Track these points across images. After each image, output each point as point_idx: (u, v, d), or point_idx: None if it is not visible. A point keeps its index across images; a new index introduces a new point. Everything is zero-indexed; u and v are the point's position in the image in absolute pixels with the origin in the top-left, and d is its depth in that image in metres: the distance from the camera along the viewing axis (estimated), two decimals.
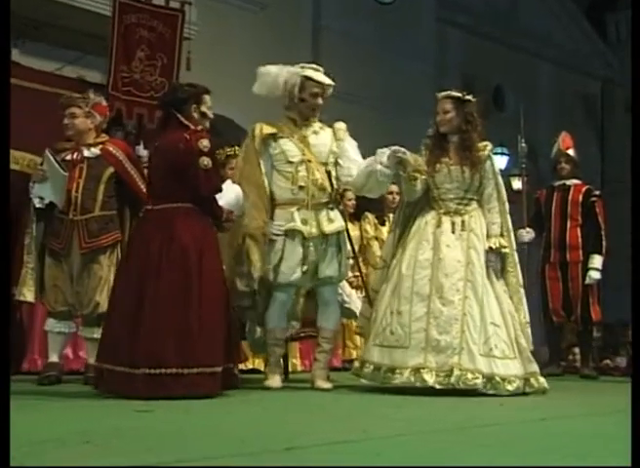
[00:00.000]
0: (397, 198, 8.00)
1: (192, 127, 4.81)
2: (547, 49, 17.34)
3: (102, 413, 3.93)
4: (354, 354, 7.74)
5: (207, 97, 4.97)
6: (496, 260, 5.31)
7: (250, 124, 5.75)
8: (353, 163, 5.54)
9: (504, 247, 5.32)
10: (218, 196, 4.90)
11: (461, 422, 3.93)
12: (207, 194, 4.79)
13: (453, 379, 4.99)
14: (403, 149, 5.39)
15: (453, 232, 5.35)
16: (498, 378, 5.07)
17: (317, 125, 5.57)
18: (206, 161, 4.69)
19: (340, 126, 5.63)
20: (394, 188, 7.95)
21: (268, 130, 5.47)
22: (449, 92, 5.54)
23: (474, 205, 5.46)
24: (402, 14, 14.13)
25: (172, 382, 4.45)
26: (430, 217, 5.45)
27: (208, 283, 4.62)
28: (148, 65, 8.65)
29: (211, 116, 4.96)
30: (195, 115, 4.87)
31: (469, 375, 5.00)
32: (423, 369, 5.05)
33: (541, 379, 5.28)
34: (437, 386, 5.00)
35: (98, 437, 3.11)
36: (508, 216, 5.47)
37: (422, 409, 4.55)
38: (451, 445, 3.17)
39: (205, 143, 4.71)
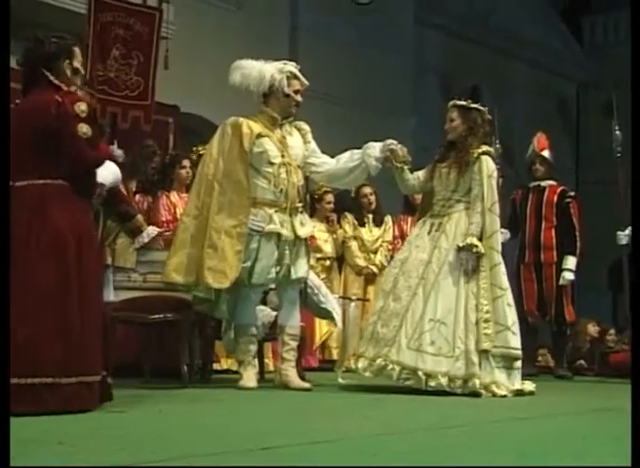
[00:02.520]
0: (372, 199, 8.06)
1: (65, 87, 4.06)
2: (524, 51, 17.42)
3: (77, 415, 3.89)
4: (335, 354, 7.73)
5: (78, 51, 4.23)
6: (466, 259, 5.32)
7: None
8: (325, 158, 5.64)
9: (475, 246, 5.32)
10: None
11: (437, 422, 3.94)
12: (86, 168, 4.04)
13: (374, 368, 5.32)
14: (395, 141, 5.54)
15: (429, 233, 5.52)
16: (421, 373, 5.15)
17: (287, 126, 5.56)
18: (85, 128, 3.96)
19: (306, 128, 5.65)
20: (367, 190, 7.99)
21: (257, 128, 5.44)
22: (454, 100, 5.67)
23: (459, 207, 5.52)
24: (379, 14, 14.13)
25: (46, 394, 3.74)
26: (422, 221, 5.71)
27: (88, 276, 3.96)
28: (124, 64, 8.59)
29: (83, 72, 4.40)
30: (68, 72, 4.12)
31: (390, 366, 5.24)
32: (361, 357, 5.46)
33: (483, 382, 5.16)
34: (365, 374, 5.38)
35: (71, 438, 3.09)
36: (495, 218, 5.47)
37: (400, 408, 4.56)
38: (428, 445, 3.17)
39: (83, 107, 3.97)
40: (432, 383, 5.14)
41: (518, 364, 5.39)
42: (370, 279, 8.06)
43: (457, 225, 5.47)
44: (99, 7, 8.47)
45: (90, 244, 4.03)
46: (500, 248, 5.50)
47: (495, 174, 5.57)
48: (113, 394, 4.17)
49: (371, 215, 8.17)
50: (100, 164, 4.09)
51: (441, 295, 5.30)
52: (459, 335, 5.20)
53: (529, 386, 5.41)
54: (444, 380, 5.13)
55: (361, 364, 5.44)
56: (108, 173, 4.44)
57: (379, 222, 8.16)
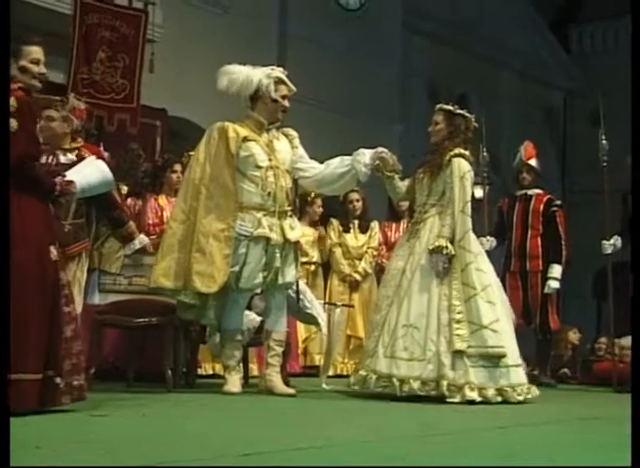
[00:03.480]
0: (358, 205, 8.05)
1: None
2: (511, 59, 17.46)
3: (58, 418, 3.87)
4: (317, 360, 7.71)
5: (31, 49, 4.17)
6: (436, 261, 5.33)
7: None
8: (313, 163, 5.64)
9: (445, 248, 5.32)
10: (74, 169, 4.38)
11: (422, 429, 3.93)
12: (15, 163, 3.90)
13: (357, 379, 5.42)
14: (385, 150, 5.57)
15: (408, 241, 5.58)
16: (395, 380, 5.19)
17: (274, 131, 5.55)
18: (13, 123, 3.90)
19: (294, 134, 5.64)
20: (355, 196, 7.99)
21: (243, 132, 5.43)
22: (441, 105, 5.70)
23: (433, 211, 5.55)
24: (368, 20, 14.17)
25: None
26: (405, 231, 5.87)
27: (23, 276, 3.86)
28: (109, 67, 8.57)
29: (39, 71, 4.22)
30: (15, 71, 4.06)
31: (369, 375, 5.32)
32: (355, 371, 5.61)
33: (457, 383, 5.13)
34: (354, 387, 5.44)
35: (50, 441, 3.07)
36: (467, 218, 5.47)
37: (385, 414, 4.56)
38: (411, 452, 3.17)
39: (11, 102, 3.92)
40: (405, 388, 5.17)
41: (507, 361, 5.34)
42: (353, 286, 8.05)
43: (430, 230, 5.50)
44: (84, 9, 8.44)
45: (23, 241, 3.91)
46: (473, 247, 5.48)
47: (468, 175, 5.54)
48: (85, 395, 4.14)
49: (356, 221, 8.16)
50: (27, 159, 4.01)
51: (413, 300, 5.34)
52: (430, 338, 5.22)
53: (515, 395, 5.35)
54: (416, 384, 5.15)
55: (352, 378, 5.56)
56: (93, 170, 4.41)
57: (364, 229, 8.15)
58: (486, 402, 5.15)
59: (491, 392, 5.21)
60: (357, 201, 8.08)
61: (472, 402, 5.11)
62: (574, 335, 8.97)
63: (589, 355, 8.73)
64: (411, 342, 5.23)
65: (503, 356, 5.32)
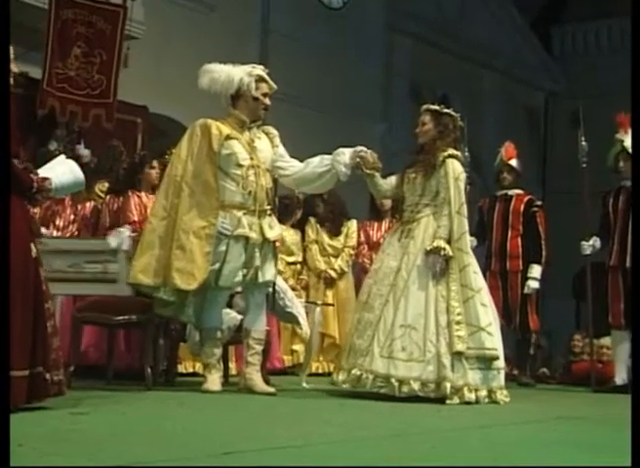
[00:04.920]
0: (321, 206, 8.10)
1: None
2: (493, 59, 17.49)
3: (39, 416, 3.86)
4: (301, 359, 7.71)
5: None
6: (433, 262, 5.33)
7: None
8: (293, 162, 5.63)
9: (443, 249, 5.33)
10: (46, 167, 4.32)
11: (401, 428, 3.94)
12: None
13: (350, 378, 5.34)
14: (365, 148, 5.57)
15: (399, 240, 5.54)
16: (393, 380, 5.17)
17: (256, 130, 5.55)
18: None
19: (274, 132, 5.64)
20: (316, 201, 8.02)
21: (226, 130, 5.42)
22: (427, 105, 5.70)
23: (427, 211, 5.54)
24: (351, 19, 14.16)
25: None
26: (393, 228, 5.79)
27: (13, 273, 3.84)
28: (85, 62, 8.52)
29: (12, 70, 4.12)
30: None
31: (364, 375, 5.27)
32: (341, 370, 5.50)
33: (456, 385, 5.16)
34: (344, 386, 5.38)
35: (31, 439, 3.06)
36: (463, 220, 5.49)
37: (365, 413, 4.57)
38: (390, 451, 3.18)
39: None
40: (405, 389, 5.14)
41: (498, 364, 5.39)
42: (329, 283, 8.05)
43: (425, 230, 5.48)
44: (59, 4, 8.37)
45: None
46: (469, 249, 5.52)
47: (462, 176, 5.57)
48: (65, 390, 4.16)
49: (327, 223, 8.16)
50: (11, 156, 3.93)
51: (411, 301, 5.31)
52: (429, 339, 5.21)
53: (503, 396, 5.40)
54: (416, 385, 5.14)
55: (340, 376, 5.46)
56: (65, 170, 4.39)
57: (334, 231, 8.12)
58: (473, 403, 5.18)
59: (483, 393, 5.25)
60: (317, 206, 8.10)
61: (468, 403, 5.13)
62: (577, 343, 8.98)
63: (567, 354, 8.78)
64: (409, 343, 5.21)
65: (497, 358, 5.37)
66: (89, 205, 6.99)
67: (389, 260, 5.51)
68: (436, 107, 5.64)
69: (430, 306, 5.28)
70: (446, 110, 5.66)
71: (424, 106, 5.71)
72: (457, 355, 5.20)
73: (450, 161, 5.51)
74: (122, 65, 8.65)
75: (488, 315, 5.40)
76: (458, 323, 5.24)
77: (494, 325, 5.43)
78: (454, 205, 5.44)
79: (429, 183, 5.54)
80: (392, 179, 5.77)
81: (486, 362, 5.32)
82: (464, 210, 5.51)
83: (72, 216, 6.91)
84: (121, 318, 5.61)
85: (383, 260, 5.57)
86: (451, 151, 5.55)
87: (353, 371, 5.35)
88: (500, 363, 5.43)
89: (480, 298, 5.39)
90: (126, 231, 5.77)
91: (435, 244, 5.34)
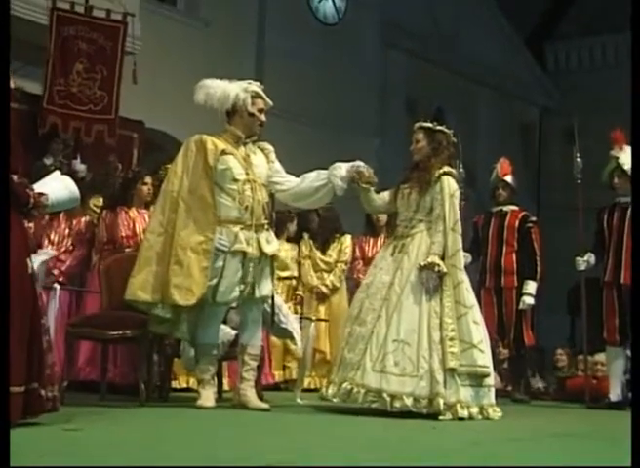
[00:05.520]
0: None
1: None
2: (488, 75, 17.56)
3: (31, 432, 3.84)
4: (294, 375, 7.70)
5: None
6: (427, 278, 5.33)
7: None
8: (289, 177, 5.64)
9: (437, 265, 5.33)
10: (41, 183, 4.31)
11: (394, 445, 3.93)
12: None
13: (341, 392, 5.32)
14: (362, 163, 5.58)
15: (392, 255, 5.54)
16: (385, 395, 5.15)
17: (251, 145, 5.56)
18: None
19: (270, 148, 5.65)
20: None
21: (221, 145, 5.43)
22: (420, 122, 5.71)
23: (421, 227, 5.54)
24: (346, 35, 14.22)
25: None
26: (386, 243, 5.81)
27: (13, 290, 3.85)
28: (87, 78, 8.55)
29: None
30: None
31: (355, 389, 5.25)
32: (331, 383, 5.47)
33: (448, 401, 5.14)
34: (334, 400, 5.36)
35: (22, 456, 3.04)
36: (457, 236, 5.49)
37: (359, 429, 4.55)
38: (387, 466, 3.17)
39: None
40: (397, 404, 5.13)
41: (488, 381, 5.38)
42: (320, 298, 8.05)
43: (418, 246, 5.49)
44: (60, 21, 8.41)
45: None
46: (462, 266, 5.52)
47: (457, 193, 5.58)
48: (58, 406, 4.15)
49: (318, 238, 8.17)
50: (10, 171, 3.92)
51: (404, 316, 5.31)
52: (422, 355, 5.20)
53: (495, 413, 5.39)
54: (409, 401, 5.13)
55: (330, 390, 5.44)
56: (60, 186, 4.38)
57: (325, 246, 8.13)
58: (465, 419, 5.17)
59: (475, 410, 5.24)
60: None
61: (461, 419, 5.12)
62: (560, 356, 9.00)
63: (552, 370, 8.80)
64: (402, 358, 5.20)
65: (488, 376, 5.37)
66: (84, 220, 7.01)
67: (382, 275, 5.51)
68: (429, 125, 5.65)
69: (424, 322, 5.27)
70: (439, 127, 5.66)
71: (417, 124, 5.72)
72: (449, 371, 5.19)
73: (445, 178, 5.53)
74: (129, 82, 8.66)
75: (479, 332, 5.41)
76: (451, 339, 5.24)
77: (484, 342, 5.43)
78: (448, 221, 5.44)
79: (424, 199, 5.54)
80: (385, 195, 5.78)
81: (477, 379, 5.32)
82: (459, 227, 5.52)
83: (67, 231, 6.92)
84: (115, 333, 5.59)
85: (376, 275, 5.57)
86: (446, 168, 5.57)
87: (344, 385, 5.33)
88: (491, 380, 5.43)
89: (472, 315, 5.40)
90: (43, 256, 5.72)
91: (430, 260, 5.34)
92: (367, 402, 5.22)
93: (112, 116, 8.76)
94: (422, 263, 5.35)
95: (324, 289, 8.04)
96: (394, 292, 5.39)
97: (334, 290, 8.07)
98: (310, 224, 8.20)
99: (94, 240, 6.98)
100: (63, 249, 6.87)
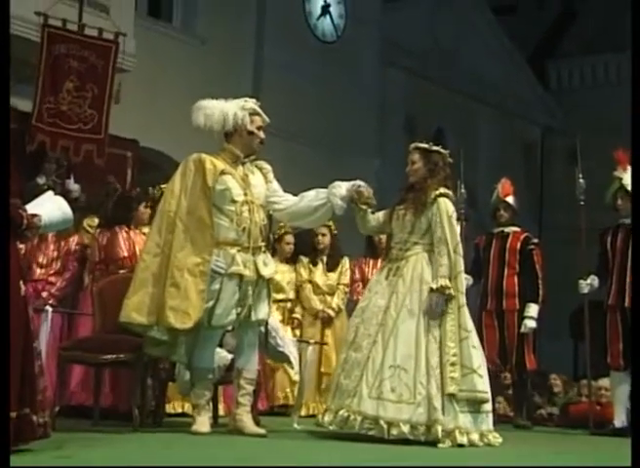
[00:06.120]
0: (322, 240, 8.07)
1: None
2: (489, 94, 17.60)
3: (22, 459, 3.81)
4: (291, 399, 7.67)
5: None
6: (437, 302, 5.32)
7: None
8: (287, 196, 5.64)
9: (448, 288, 5.32)
10: (33, 203, 4.33)
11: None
12: None
13: (337, 420, 5.29)
14: (363, 183, 5.59)
15: (387, 278, 5.53)
16: (382, 422, 5.13)
17: (249, 165, 5.56)
18: None
19: (268, 167, 5.65)
20: (322, 230, 8.02)
21: (220, 165, 5.42)
22: (415, 144, 5.72)
23: (417, 249, 5.52)
24: (345, 53, 14.27)
25: None
26: (381, 266, 5.80)
27: None
28: (77, 97, 8.57)
29: None
30: None
31: (352, 416, 5.22)
32: (327, 411, 5.45)
33: (447, 428, 5.11)
34: (330, 427, 5.32)
35: None
36: (460, 259, 5.48)
37: (358, 456, 4.54)
38: None
39: None
40: (394, 432, 5.10)
41: (487, 407, 5.36)
42: (327, 322, 8.03)
43: (414, 268, 5.48)
44: (52, 39, 8.45)
45: None
46: (464, 289, 5.52)
47: (454, 214, 5.59)
48: (50, 432, 4.13)
49: (324, 258, 8.16)
50: None
51: (400, 341, 5.29)
52: (419, 381, 5.19)
53: (495, 439, 5.38)
54: (406, 428, 5.10)
55: (327, 417, 5.41)
56: (54, 207, 4.38)
57: (332, 266, 8.13)
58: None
59: (475, 436, 5.22)
60: (323, 235, 8.08)
61: (461, 446, 5.10)
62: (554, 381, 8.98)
63: (549, 395, 8.77)
64: (398, 384, 5.18)
65: (487, 401, 5.35)
66: (72, 239, 6.96)
67: (377, 299, 5.50)
68: (425, 145, 5.65)
69: (421, 347, 5.26)
70: (434, 148, 5.66)
71: (412, 145, 5.72)
72: (448, 397, 5.17)
73: (442, 200, 5.51)
74: (113, 102, 8.69)
75: (478, 357, 5.39)
76: (452, 364, 5.22)
77: (483, 367, 5.42)
78: (451, 243, 5.44)
79: (419, 221, 5.53)
80: (380, 215, 5.77)
81: (476, 405, 5.29)
82: (460, 249, 5.51)
83: (56, 253, 6.87)
84: (109, 357, 5.57)
85: (371, 299, 5.56)
86: (442, 190, 5.55)
87: (340, 412, 5.31)
88: (489, 406, 5.41)
89: (472, 340, 5.39)
90: None
91: (441, 283, 5.32)
92: (364, 429, 5.19)
93: (102, 136, 8.78)
94: (434, 287, 5.33)
95: (331, 312, 8.02)
96: (390, 316, 5.38)
97: (338, 312, 8.05)
98: (315, 243, 8.16)
99: (85, 260, 6.97)
100: (52, 271, 6.85)
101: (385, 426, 5.12)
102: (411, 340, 5.28)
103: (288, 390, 7.76)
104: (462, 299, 5.44)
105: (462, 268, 5.52)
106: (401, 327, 5.32)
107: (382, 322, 5.38)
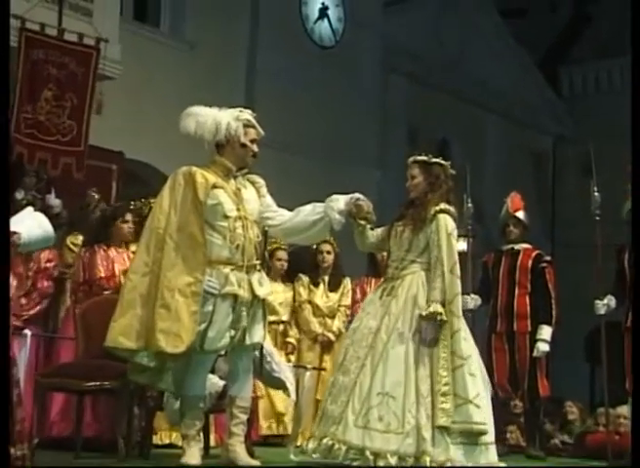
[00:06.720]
0: (328, 258, 8.04)
1: None
2: (496, 101, 17.55)
3: None
4: (275, 429, 7.63)
5: None
6: (428, 329, 5.29)
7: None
8: (282, 211, 5.61)
9: (439, 314, 5.29)
10: (13, 220, 4.25)
11: None
12: None
13: (321, 448, 5.26)
14: (362, 196, 5.56)
15: (380, 298, 5.53)
16: (368, 453, 5.10)
17: (241, 178, 5.54)
18: None
19: (261, 181, 5.63)
20: (326, 247, 7.98)
21: (212, 179, 5.40)
22: (414, 157, 5.70)
23: (413, 268, 5.51)
24: (344, 58, 14.27)
25: None
26: (377, 286, 5.77)
27: None
28: (56, 106, 8.54)
29: None
30: None
31: (336, 446, 5.20)
32: (312, 437, 5.43)
33: (437, 460, 5.07)
34: (314, 455, 5.29)
35: None
36: (456, 280, 5.43)
37: None
38: None
39: None
40: (381, 463, 5.07)
41: (486, 438, 5.31)
42: (326, 346, 7.98)
43: (409, 288, 5.45)
44: (30, 43, 8.41)
45: None
46: (460, 312, 5.48)
47: (454, 232, 5.56)
48: (28, 466, 4.07)
49: (326, 277, 8.12)
50: None
51: (390, 366, 5.26)
52: (409, 409, 5.15)
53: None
54: (393, 460, 5.06)
55: (310, 445, 5.38)
56: (34, 224, 4.36)
57: (335, 286, 8.10)
58: None
59: None
60: (328, 253, 8.04)
61: None
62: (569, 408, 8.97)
63: (564, 423, 8.74)
64: (386, 412, 5.15)
65: (485, 433, 5.30)
66: (42, 256, 6.84)
67: (369, 320, 5.48)
68: (424, 158, 5.63)
69: (410, 374, 5.23)
70: (434, 160, 5.63)
71: (411, 158, 5.70)
72: (439, 428, 5.13)
73: (442, 216, 5.48)
74: (95, 112, 8.67)
75: (476, 386, 5.33)
76: (444, 394, 5.17)
77: (482, 395, 5.36)
78: (447, 264, 5.40)
79: (417, 238, 5.51)
80: (379, 232, 5.76)
81: (472, 437, 5.24)
82: (457, 269, 5.45)
83: (25, 272, 6.77)
84: (92, 384, 5.55)
85: (362, 319, 5.53)
86: (442, 206, 5.52)
87: (325, 441, 5.27)
88: (489, 437, 5.35)
89: (468, 367, 5.32)
90: None
91: (432, 309, 5.28)
92: (348, 459, 5.15)
93: (81, 148, 8.75)
94: (424, 313, 5.30)
95: (331, 336, 7.97)
96: (380, 339, 5.35)
97: (339, 336, 7.96)
98: (307, 263, 8.13)
99: (63, 279, 6.93)
100: (22, 292, 6.76)
101: (372, 457, 5.09)
102: (400, 366, 5.25)
103: (272, 420, 7.70)
104: (458, 324, 5.38)
105: (459, 290, 5.48)
106: (391, 351, 5.29)
107: (372, 344, 5.35)
